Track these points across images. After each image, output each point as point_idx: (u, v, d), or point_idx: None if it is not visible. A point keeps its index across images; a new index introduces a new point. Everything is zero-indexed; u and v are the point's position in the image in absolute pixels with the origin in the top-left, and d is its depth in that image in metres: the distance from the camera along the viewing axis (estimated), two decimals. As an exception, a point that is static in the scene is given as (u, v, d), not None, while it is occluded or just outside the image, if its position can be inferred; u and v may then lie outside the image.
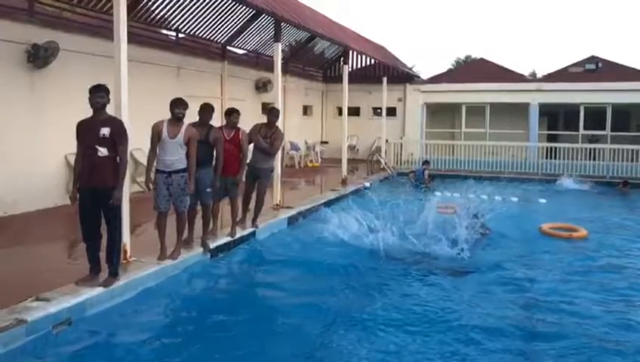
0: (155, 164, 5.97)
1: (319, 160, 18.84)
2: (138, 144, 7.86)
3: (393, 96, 19.62)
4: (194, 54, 13.13)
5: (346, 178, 13.72)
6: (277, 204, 9.51)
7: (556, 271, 6.75)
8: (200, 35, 13.33)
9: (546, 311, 5.39)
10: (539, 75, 33.11)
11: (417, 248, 7.35)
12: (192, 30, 13.00)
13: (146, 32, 11.76)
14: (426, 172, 14.99)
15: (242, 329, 4.89)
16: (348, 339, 4.67)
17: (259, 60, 16.16)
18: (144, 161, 6.94)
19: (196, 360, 4.35)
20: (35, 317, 4.31)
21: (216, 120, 7.02)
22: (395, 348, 4.53)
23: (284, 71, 15.17)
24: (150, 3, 11.24)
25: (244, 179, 7.55)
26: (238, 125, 7.07)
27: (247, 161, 7.34)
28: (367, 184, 14.08)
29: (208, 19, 12.86)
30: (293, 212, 9.37)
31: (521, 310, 5.46)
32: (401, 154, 18.86)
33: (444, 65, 57.47)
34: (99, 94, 4.93)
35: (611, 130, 18.42)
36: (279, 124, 8.00)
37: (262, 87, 15.89)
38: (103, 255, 5.15)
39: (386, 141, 18.49)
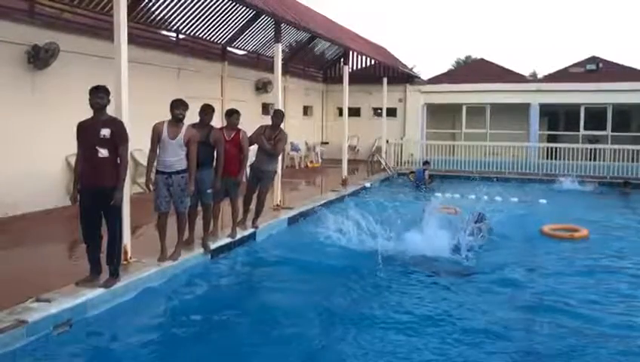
0: (155, 164, 5.97)
1: (319, 160, 18.84)
2: (138, 145, 7.86)
3: (393, 97, 19.60)
4: (194, 55, 13.13)
5: (347, 178, 13.71)
6: (277, 205, 9.51)
7: (557, 272, 6.74)
8: (200, 35, 13.34)
9: (548, 312, 5.37)
10: (539, 76, 33.02)
11: (417, 249, 7.34)
12: (192, 31, 13.01)
13: (147, 32, 11.77)
14: (426, 172, 15.00)
15: (242, 330, 4.90)
16: (347, 341, 4.67)
17: (259, 61, 16.15)
18: (144, 161, 6.94)
19: (197, 360, 4.36)
20: (36, 318, 4.31)
21: (217, 121, 7.02)
22: (394, 348, 4.51)
23: (285, 71, 15.16)
24: (150, 4, 11.25)
25: (244, 179, 7.54)
26: (239, 126, 7.07)
27: (249, 162, 7.33)
28: (368, 184, 14.09)
29: (208, 20, 12.87)
30: (293, 212, 9.37)
31: (522, 311, 5.45)
32: (401, 155, 18.86)
33: (445, 66, 57.49)
34: (99, 95, 4.93)
35: (612, 131, 18.43)
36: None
37: (262, 87, 15.88)
38: (103, 256, 5.15)
39: (387, 141, 18.50)
